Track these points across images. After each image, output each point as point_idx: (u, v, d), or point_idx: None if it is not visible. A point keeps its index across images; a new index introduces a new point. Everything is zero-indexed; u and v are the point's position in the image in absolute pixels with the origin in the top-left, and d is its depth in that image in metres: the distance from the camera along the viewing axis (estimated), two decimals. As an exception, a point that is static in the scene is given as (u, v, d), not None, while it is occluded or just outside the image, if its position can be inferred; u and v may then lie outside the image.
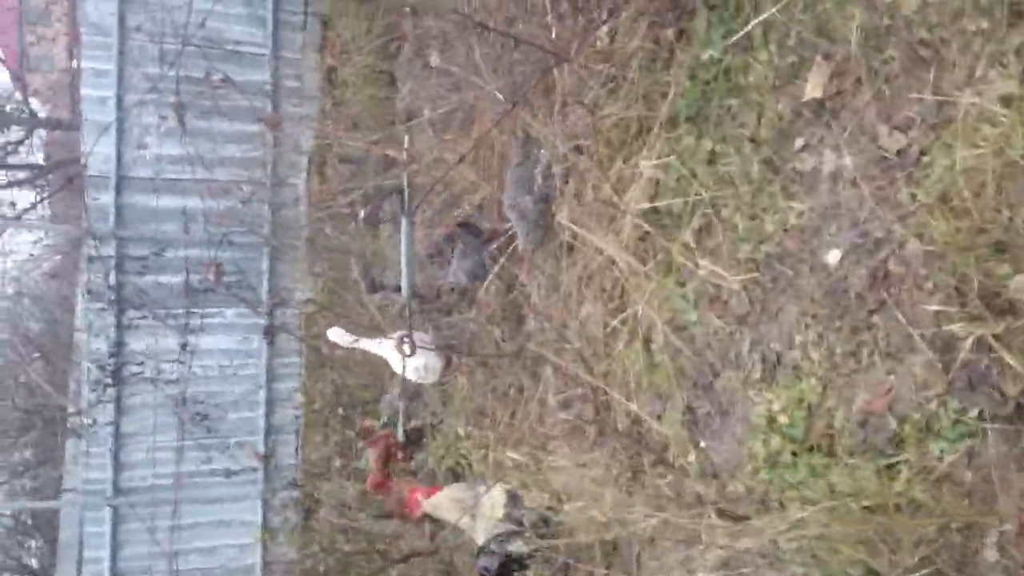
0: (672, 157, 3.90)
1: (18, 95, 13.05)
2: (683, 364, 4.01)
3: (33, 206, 12.53)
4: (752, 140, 3.61)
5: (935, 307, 2.88)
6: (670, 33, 4.05)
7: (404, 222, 4.24)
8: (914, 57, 3.06)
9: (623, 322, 4.40)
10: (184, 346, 7.09)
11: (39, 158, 13.47)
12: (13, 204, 12.05)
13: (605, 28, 4.40)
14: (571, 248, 4.74)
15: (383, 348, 6.20)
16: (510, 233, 5.23)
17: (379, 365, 7.28)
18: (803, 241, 3.39)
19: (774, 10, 3.48)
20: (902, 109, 3.09)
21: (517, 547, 4.94)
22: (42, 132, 13.50)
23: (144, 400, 7.58)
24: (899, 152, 3.08)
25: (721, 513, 3.47)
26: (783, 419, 3.31)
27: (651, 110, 4.19)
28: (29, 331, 16.43)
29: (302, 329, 8.04)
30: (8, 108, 12.02)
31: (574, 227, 4.52)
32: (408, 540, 6.57)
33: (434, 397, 6.48)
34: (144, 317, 7.29)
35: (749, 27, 3.60)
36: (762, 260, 3.54)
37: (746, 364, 3.62)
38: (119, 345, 7.34)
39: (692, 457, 3.94)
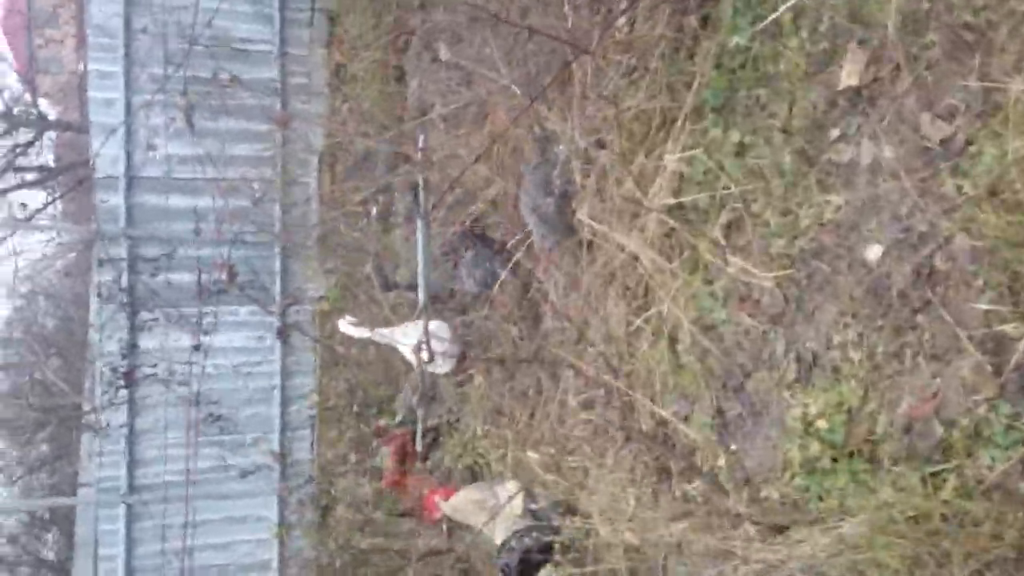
0: (698, 150, 3.74)
1: (27, 97, 12.97)
2: (711, 365, 3.86)
3: (44, 207, 12.46)
4: (784, 131, 3.45)
5: (985, 306, 2.73)
6: (693, 20, 3.89)
7: (420, 224, 4.09)
8: (957, 42, 2.89)
9: (647, 321, 4.25)
10: (197, 346, 6.99)
11: (49, 160, 13.41)
12: (24, 205, 11.98)
13: (624, 16, 4.24)
14: (591, 245, 4.59)
15: (395, 337, 6.10)
16: (525, 237, 5.08)
17: (394, 364, 7.19)
18: (840, 236, 3.23)
19: (804, -6, 3.33)
20: (945, 96, 2.93)
21: (535, 540, 4.83)
22: (52, 134, 13.42)
23: (158, 398, 7.52)
24: (943, 142, 2.91)
25: (756, 523, 3.32)
26: (822, 423, 3.16)
27: (675, 101, 4.04)
28: (44, 329, 16.45)
29: (316, 326, 7.95)
30: (17, 111, 11.94)
31: (595, 224, 4.36)
32: (425, 538, 6.47)
33: (450, 394, 6.36)
34: (156, 319, 7.21)
35: (778, 13, 3.43)
36: (796, 256, 3.38)
37: (780, 365, 3.47)
38: (132, 347, 7.26)
39: (722, 461, 3.80)
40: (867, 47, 3.19)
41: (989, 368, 2.72)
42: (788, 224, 3.41)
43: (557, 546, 4.76)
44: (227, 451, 7.76)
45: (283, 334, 7.18)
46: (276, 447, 7.94)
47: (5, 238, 11.97)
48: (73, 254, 16.67)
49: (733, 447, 3.71)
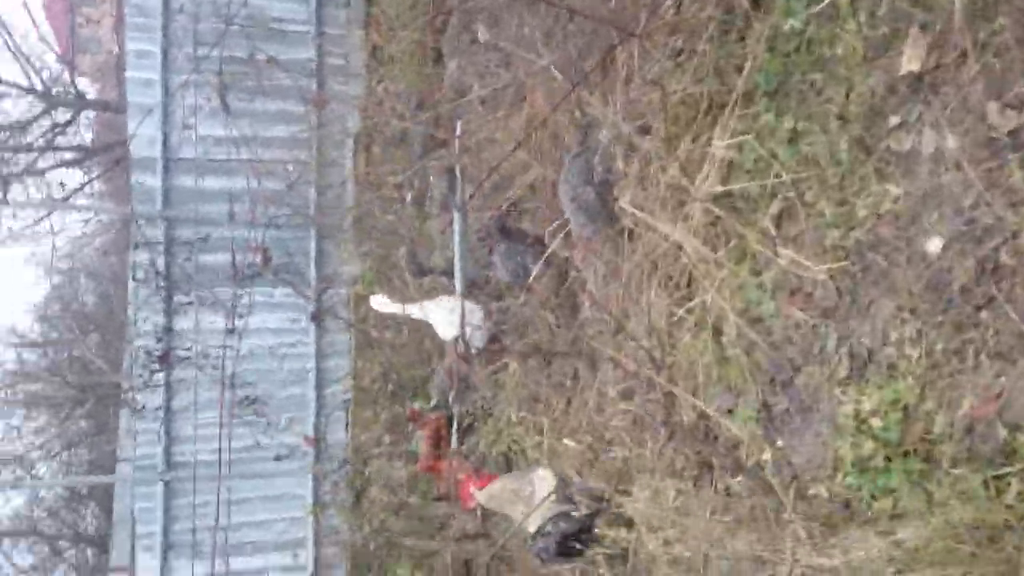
0: (749, 136, 3.62)
1: (66, 76, 13.08)
2: (758, 358, 3.76)
3: (81, 187, 12.58)
4: (840, 118, 3.32)
5: (1054, 304, 2.60)
6: (745, 1, 3.75)
7: (456, 216, 4.01)
8: (1030, 25, 2.75)
9: (689, 312, 4.15)
10: (232, 330, 6.99)
11: (87, 139, 13.53)
12: (62, 184, 12.12)
13: (671, -3, 4.12)
14: (632, 234, 4.49)
15: (427, 312, 6.07)
16: (562, 226, 4.98)
17: (427, 346, 7.15)
18: (899, 228, 3.11)
19: (864, -25, 3.19)
20: (1015, 85, 2.78)
21: (571, 524, 4.78)
22: (90, 113, 13.52)
23: (194, 378, 7.56)
24: (1011, 132, 2.78)
25: (805, 521, 3.22)
26: (876, 422, 3.05)
27: (723, 85, 3.91)
28: (84, 306, 16.66)
29: (350, 308, 7.94)
30: (56, 90, 12.03)
31: (637, 212, 4.26)
32: (460, 523, 6.45)
33: (485, 381, 6.31)
34: (191, 302, 7.22)
35: (835, -6, 3.30)
36: (852, 248, 3.26)
37: (831, 360, 3.36)
38: (167, 330, 7.30)
39: (767, 456, 3.70)
40: (929, 32, 3.04)
41: (1057, 369, 2.60)
42: (843, 214, 3.29)
43: (596, 532, 4.72)
44: (262, 432, 7.79)
45: (317, 318, 7.15)
46: (311, 428, 7.98)
47: (43, 218, 12.11)
48: (112, 232, 16.85)
49: (780, 443, 3.61)
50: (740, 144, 3.71)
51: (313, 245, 7.81)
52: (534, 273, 5.08)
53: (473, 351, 6.05)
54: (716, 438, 4.04)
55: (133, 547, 8.21)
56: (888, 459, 3.04)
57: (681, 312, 4.16)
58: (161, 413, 7.51)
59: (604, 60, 4.61)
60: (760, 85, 3.65)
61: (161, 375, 7.13)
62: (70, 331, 14.34)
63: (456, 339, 5.70)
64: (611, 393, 4.77)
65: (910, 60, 3.08)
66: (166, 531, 7.75)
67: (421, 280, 6.84)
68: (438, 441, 6.43)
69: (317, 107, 7.58)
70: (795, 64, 3.51)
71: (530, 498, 5.22)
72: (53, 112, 12.14)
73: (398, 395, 7.59)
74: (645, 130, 4.17)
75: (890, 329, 3.11)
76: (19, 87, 12.07)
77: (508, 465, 5.95)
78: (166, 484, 7.74)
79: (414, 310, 6.28)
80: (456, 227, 4.85)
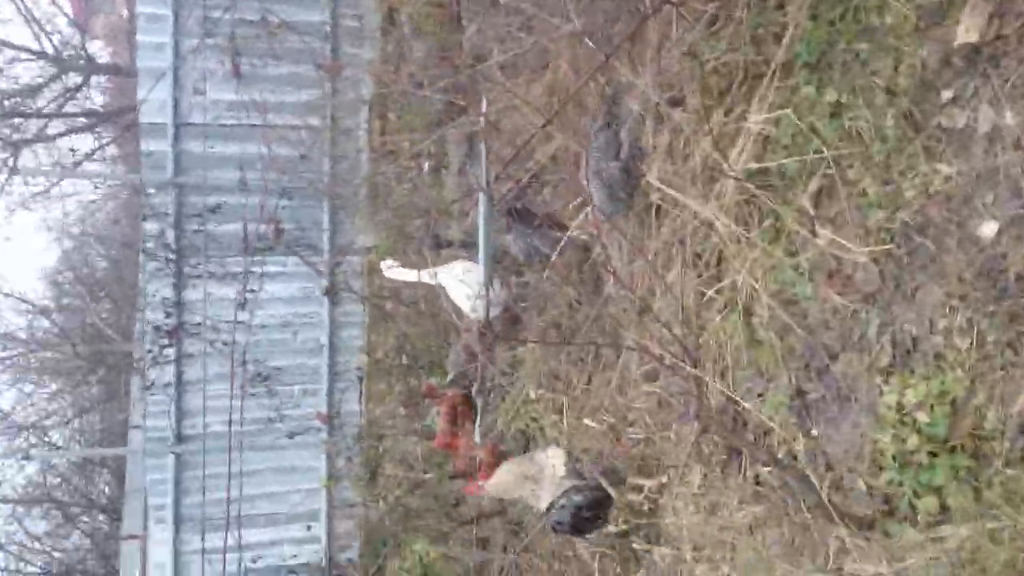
0: (788, 110, 3.43)
1: (77, 40, 12.87)
2: (792, 342, 3.60)
3: (92, 153, 12.42)
4: (888, 91, 3.12)
5: (1122, 295, 2.43)
6: (786, -35, 3.54)
7: (482, 198, 3.84)
8: (1102, -7, 2.54)
9: (719, 292, 3.98)
10: (243, 304, 6.86)
11: (99, 103, 13.35)
12: (73, 150, 11.97)
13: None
14: (659, 210, 4.31)
15: (441, 278, 5.93)
16: (584, 203, 4.80)
17: (443, 317, 7.00)
18: (950, 210, 2.92)
19: (919, -63, 2.97)
20: (1085, 56, 2.59)
21: (585, 498, 4.68)
22: (102, 77, 13.33)
23: (206, 348, 7.45)
24: (1079, 109, 2.59)
25: (843, 516, 3.08)
26: (921, 415, 2.89)
27: (760, 54, 3.71)
28: (95, 272, 16.59)
29: (364, 278, 7.80)
30: (67, 54, 11.83)
31: (666, 188, 4.08)
32: (476, 500, 6.35)
33: (503, 356, 6.16)
34: (200, 276, 7.09)
35: (886, -42, 3.09)
36: (898, 230, 3.08)
37: (872, 347, 3.19)
38: (177, 304, 7.17)
39: (800, 445, 3.55)
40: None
41: (1123, 365, 2.43)
42: (889, 194, 3.11)
43: (613, 510, 4.62)
44: (275, 404, 7.71)
45: (331, 292, 7.01)
46: (324, 400, 7.88)
47: (54, 185, 11.98)
48: (123, 197, 16.73)
49: (814, 432, 3.46)
50: (778, 118, 3.52)
51: (327, 215, 7.66)
52: (552, 257, 4.90)
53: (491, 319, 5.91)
54: (745, 424, 3.89)
55: (145, 519, 8.18)
56: (933, 454, 2.89)
57: (711, 293, 3.99)
58: (172, 387, 7.41)
59: (638, 29, 4.40)
60: (801, 55, 3.45)
61: (171, 350, 7.01)
62: (80, 297, 14.28)
63: (476, 318, 5.55)
64: (634, 374, 4.62)
65: (968, 30, 2.87)
66: (177, 503, 7.71)
67: (438, 252, 6.68)
68: (455, 417, 6.30)
69: (331, 74, 7.37)
70: (839, 33, 3.30)
71: (538, 476, 5.12)
72: (64, 77, 11.96)
73: (413, 368, 7.46)
74: (676, 102, 3.98)
75: (938, 317, 2.94)
76: (29, 51, 11.89)
77: (527, 442, 5.84)
78: (177, 457, 7.68)
79: (427, 276, 6.14)
80: (481, 208, 4.68)
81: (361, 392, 7.81)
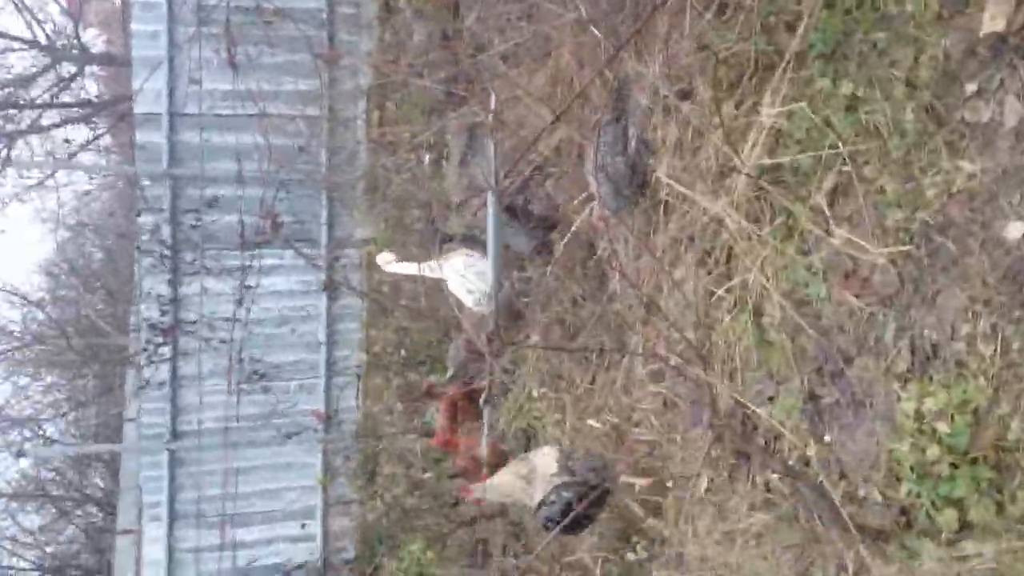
0: (802, 103, 3.28)
1: (70, 29, 12.68)
2: (804, 344, 3.47)
3: (87, 143, 12.26)
4: (907, 83, 2.98)
5: None
6: (800, -49, 3.40)
7: (491, 198, 3.71)
8: None
9: (728, 291, 3.85)
10: (240, 301, 6.72)
11: (93, 93, 13.18)
12: (68, 141, 11.81)
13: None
14: (667, 206, 4.17)
15: (444, 272, 5.80)
16: (588, 199, 4.67)
17: (442, 310, 6.86)
18: (973, 210, 2.79)
19: (942, -79, 2.83)
20: (1120, 48, 2.45)
21: (575, 494, 4.57)
22: (95, 67, 13.16)
23: (201, 346, 7.33)
24: (1114, 103, 2.45)
25: (858, 527, 2.95)
26: (942, 425, 2.76)
27: (771, 44, 3.56)
28: (91, 263, 16.43)
29: (363, 271, 7.66)
30: (60, 44, 11.66)
31: (674, 183, 3.94)
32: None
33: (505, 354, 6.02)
34: (196, 273, 6.94)
35: (906, -57, 2.94)
36: (917, 231, 2.94)
37: (889, 352, 3.06)
38: (173, 302, 7.04)
39: (812, 451, 3.42)
40: (1018, -14, 2.69)
41: None
42: (909, 193, 2.97)
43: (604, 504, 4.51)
44: (271, 400, 7.59)
45: (329, 287, 6.86)
46: (321, 394, 7.76)
47: (49, 177, 11.82)
48: (121, 183, 16.56)
49: (827, 438, 3.34)
50: (791, 111, 3.37)
51: (325, 208, 7.52)
52: (554, 256, 4.78)
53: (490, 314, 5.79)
54: (755, 428, 3.77)
55: (140, 512, 8.07)
56: (954, 466, 2.76)
57: (720, 292, 3.86)
58: (167, 385, 7.28)
59: (634, 10, 4.26)
60: (815, 46, 3.30)
61: (166, 349, 6.87)
62: (75, 289, 14.14)
63: (478, 312, 5.43)
64: (640, 374, 4.50)
65: (994, 19, 2.73)
66: (172, 501, 7.60)
67: (439, 245, 6.55)
68: (455, 414, 6.17)
69: (329, 63, 7.21)
70: (856, 22, 3.16)
71: (531, 476, 5.02)
72: (58, 66, 11.80)
73: (411, 363, 7.34)
74: (685, 94, 3.83)
75: (960, 322, 2.81)
76: (22, 41, 11.72)
77: (527, 441, 5.72)
78: (172, 453, 7.56)
79: (428, 269, 6.01)
80: (490, 208, 4.55)
81: (358, 389, 7.68)
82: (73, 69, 11.62)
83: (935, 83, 2.91)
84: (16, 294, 14.00)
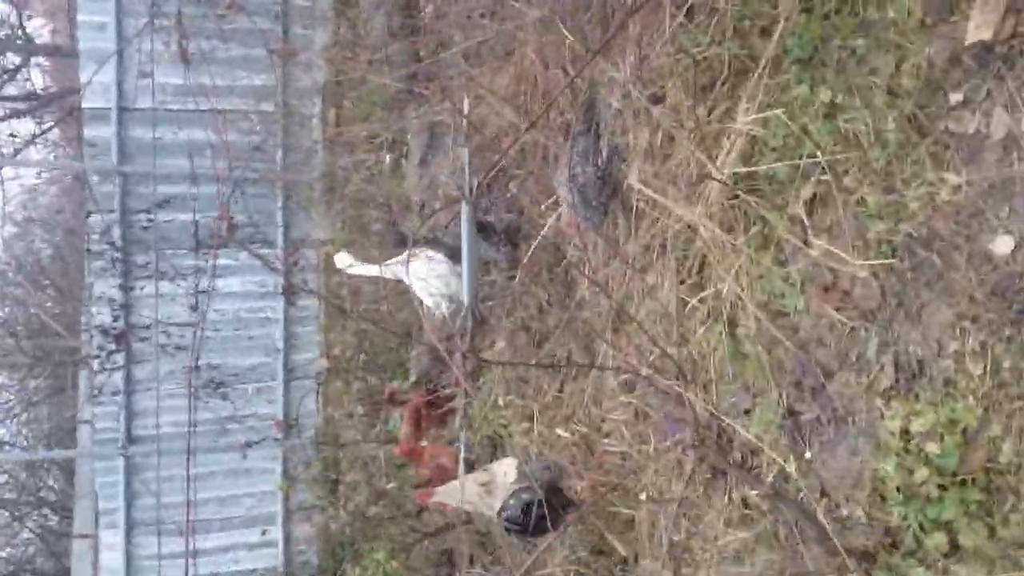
0: (779, 110, 3.17)
1: (14, 19, 12.21)
2: (781, 357, 3.37)
3: (34, 139, 11.83)
4: (889, 92, 2.88)
5: None
6: (777, -49, 3.28)
7: (464, 208, 3.55)
8: None
9: (702, 301, 3.75)
10: (195, 306, 6.49)
11: (39, 86, 12.72)
12: (13, 135, 11.39)
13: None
14: (639, 211, 4.04)
15: (402, 271, 5.67)
16: (552, 206, 4.55)
17: (407, 318, 6.70)
18: (959, 223, 2.70)
19: (925, -77, 2.72)
20: (1111, 58, 2.37)
21: (532, 495, 4.51)
22: (41, 58, 12.70)
23: (156, 350, 7.11)
24: (1106, 116, 2.37)
25: (846, 550, 2.86)
26: (931, 446, 2.67)
27: (744, 48, 3.45)
28: (40, 260, 15.96)
29: (321, 272, 7.47)
30: (3, 34, 11.21)
31: (646, 190, 3.81)
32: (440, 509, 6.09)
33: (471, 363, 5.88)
34: (149, 277, 6.70)
35: (887, -54, 2.84)
36: (900, 243, 2.85)
37: (872, 368, 2.97)
38: (124, 307, 6.78)
39: (792, 468, 3.33)
40: (1004, -8, 2.60)
41: None
42: (891, 204, 2.87)
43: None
44: (229, 406, 7.39)
45: (288, 292, 6.66)
46: (280, 399, 7.58)
47: (-4, 170, 11.40)
48: (69, 178, 16.07)
49: (808, 455, 3.25)
50: (766, 118, 3.26)
51: (281, 208, 7.30)
52: (520, 260, 4.67)
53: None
54: (731, 442, 3.67)
55: (96, 523, 7.83)
56: (943, 487, 2.68)
57: (693, 301, 3.75)
58: (120, 393, 7.04)
59: (601, 12, 4.13)
60: (792, 51, 3.19)
61: (119, 356, 6.63)
62: (22, 286, 13.69)
63: (440, 315, 5.28)
64: (611, 383, 4.38)
65: (979, 27, 2.63)
66: (129, 507, 7.40)
67: (400, 247, 6.37)
68: (418, 422, 6.01)
69: (283, 58, 6.98)
70: (835, 27, 3.05)
71: (490, 486, 4.95)
72: (2, 57, 11.36)
73: (371, 366, 7.17)
74: (657, 99, 3.70)
75: (947, 339, 2.72)
76: (-38, 30, 11.27)
77: (494, 450, 5.59)
78: (127, 459, 7.34)
79: (388, 272, 5.85)
80: (464, 219, 4.41)
81: (318, 394, 7.50)
82: (18, 60, 11.20)
83: (918, 92, 2.82)
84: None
